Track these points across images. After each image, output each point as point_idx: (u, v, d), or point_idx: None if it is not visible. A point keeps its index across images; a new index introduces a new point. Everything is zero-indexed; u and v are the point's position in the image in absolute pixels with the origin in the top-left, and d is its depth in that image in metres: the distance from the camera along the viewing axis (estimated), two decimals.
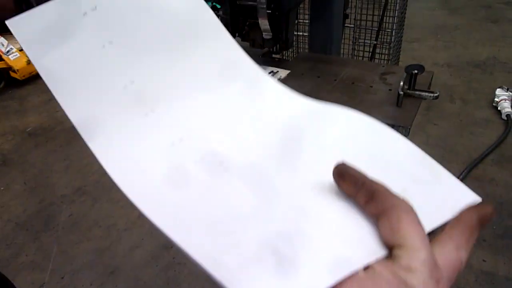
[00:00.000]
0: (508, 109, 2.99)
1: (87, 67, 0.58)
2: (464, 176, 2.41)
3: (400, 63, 1.73)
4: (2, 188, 2.56)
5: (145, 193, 0.52)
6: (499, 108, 3.07)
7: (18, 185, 2.58)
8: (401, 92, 0.82)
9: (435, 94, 0.84)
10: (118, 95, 0.58)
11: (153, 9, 0.66)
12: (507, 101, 3.07)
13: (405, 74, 0.85)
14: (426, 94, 0.84)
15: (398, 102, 0.83)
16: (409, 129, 0.77)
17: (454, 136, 2.83)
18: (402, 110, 0.82)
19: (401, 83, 0.83)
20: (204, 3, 0.70)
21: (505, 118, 2.96)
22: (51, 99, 2.89)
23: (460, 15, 5.19)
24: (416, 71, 0.83)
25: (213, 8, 1.15)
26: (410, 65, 0.83)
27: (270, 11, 0.96)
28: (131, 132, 0.56)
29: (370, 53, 1.54)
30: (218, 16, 1.12)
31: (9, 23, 0.55)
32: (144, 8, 0.66)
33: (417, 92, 0.84)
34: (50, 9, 0.59)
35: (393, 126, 0.80)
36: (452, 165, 2.52)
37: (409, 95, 0.84)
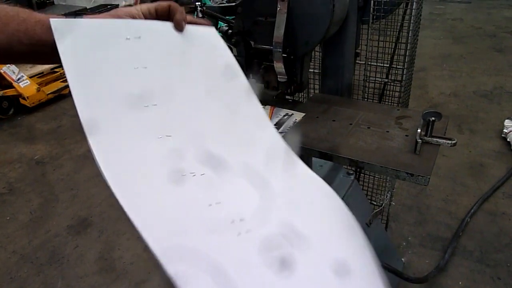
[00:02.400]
0: None
1: (114, 79, 0.61)
2: (475, 210, 2.36)
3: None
4: (7, 218, 2.54)
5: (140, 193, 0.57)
6: (508, 140, 3.04)
7: (23, 215, 2.56)
8: (419, 140, 0.81)
9: (453, 141, 0.83)
10: (125, 97, 0.61)
11: (187, 53, 0.69)
12: None
13: (422, 121, 0.84)
14: (444, 141, 0.83)
15: (416, 149, 0.82)
16: (429, 178, 0.76)
17: (464, 168, 2.80)
18: (421, 158, 0.81)
19: (418, 130, 0.82)
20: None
21: None
22: (60, 126, 2.91)
23: (465, 44, 5.25)
24: (433, 118, 0.82)
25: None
26: (427, 112, 0.82)
27: (285, 55, 0.97)
28: (130, 128, 0.59)
29: (381, 91, 1.54)
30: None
31: (52, 21, 0.59)
32: (180, 45, 0.68)
33: (435, 139, 0.83)
34: (98, 24, 0.62)
35: (412, 175, 0.78)
36: (462, 198, 2.48)
37: (427, 142, 0.83)
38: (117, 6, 6.01)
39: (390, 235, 2.21)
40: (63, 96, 4.23)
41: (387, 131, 0.92)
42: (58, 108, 4.05)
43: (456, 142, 0.83)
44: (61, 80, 4.30)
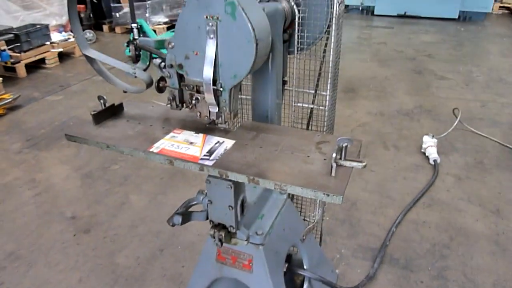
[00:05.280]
0: (434, 155, 3.30)
1: None
2: (400, 220, 2.58)
3: (336, 118, 1.89)
4: None
5: None
6: (426, 154, 3.37)
7: None
8: (334, 164, 0.92)
9: (363, 164, 0.95)
10: None
11: None
12: (433, 147, 3.39)
13: (337, 146, 0.95)
14: (356, 164, 0.94)
15: (332, 172, 0.93)
16: (342, 197, 0.86)
17: (389, 182, 3.04)
18: (335, 180, 0.91)
19: (333, 155, 0.93)
20: None
21: (433, 163, 3.26)
22: None
23: (388, 66, 5.73)
24: (346, 144, 0.93)
25: (162, 79, 1.21)
26: (341, 138, 0.94)
27: (215, 87, 1.05)
28: None
29: (309, 115, 1.68)
30: (166, 87, 1.18)
31: None
32: None
33: (348, 162, 0.94)
34: None
35: (328, 195, 0.88)
36: (389, 210, 2.70)
37: (341, 165, 0.94)
38: (47, 26, 5.77)
39: (325, 248, 2.34)
40: None
41: (308, 156, 1.02)
42: None
43: (366, 165, 0.95)
44: None
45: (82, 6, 7.17)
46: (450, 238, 2.47)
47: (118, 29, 7.50)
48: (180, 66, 1.09)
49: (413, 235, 2.50)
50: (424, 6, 8.38)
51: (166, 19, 7.45)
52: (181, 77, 1.12)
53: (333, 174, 0.93)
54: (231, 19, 0.97)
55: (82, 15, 7.09)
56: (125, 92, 1.26)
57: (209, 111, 1.11)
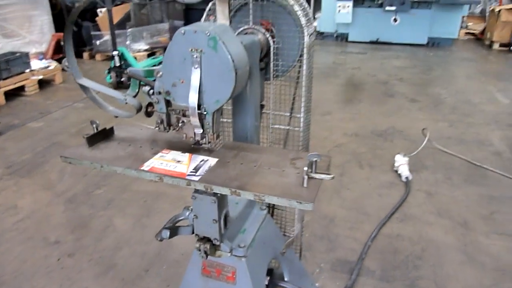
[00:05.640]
0: (406, 173, 3.49)
1: None
2: (376, 234, 2.72)
3: (313, 139, 2.03)
4: None
5: None
6: (399, 172, 3.56)
7: None
8: (305, 176, 1.05)
9: (331, 176, 1.08)
10: None
11: None
12: (405, 165, 3.58)
13: (308, 161, 1.08)
14: (325, 176, 1.08)
15: (303, 183, 1.06)
16: (313, 204, 0.99)
17: (365, 199, 3.20)
18: (307, 190, 1.04)
19: (305, 168, 1.06)
20: None
21: (405, 180, 3.44)
22: None
23: (362, 90, 6.01)
24: (316, 159, 1.07)
25: (150, 104, 1.33)
26: (311, 154, 1.07)
27: (199, 111, 1.18)
28: None
29: (285, 136, 1.82)
30: (154, 112, 1.30)
31: None
32: None
33: (317, 175, 1.08)
34: None
35: (300, 203, 1.01)
36: (365, 226, 2.84)
37: (312, 178, 1.07)
38: (27, 54, 5.83)
39: (305, 263, 2.44)
40: None
41: (283, 170, 1.15)
42: None
43: (333, 176, 1.08)
44: None
45: (62, 34, 7.28)
46: (422, 249, 2.61)
47: (98, 56, 7.61)
48: (168, 93, 1.21)
49: (388, 248, 2.64)
50: (395, 33, 8.86)
51: (147, 46, 7.63)
52: (168, 103, 1.24)
53: (305, 185, 1.06)
54: (213, 51, 1.11)
55: (62, 43, 7.18)
56: (116, 117, 1.37)
57: (194, 133, 1.23)
